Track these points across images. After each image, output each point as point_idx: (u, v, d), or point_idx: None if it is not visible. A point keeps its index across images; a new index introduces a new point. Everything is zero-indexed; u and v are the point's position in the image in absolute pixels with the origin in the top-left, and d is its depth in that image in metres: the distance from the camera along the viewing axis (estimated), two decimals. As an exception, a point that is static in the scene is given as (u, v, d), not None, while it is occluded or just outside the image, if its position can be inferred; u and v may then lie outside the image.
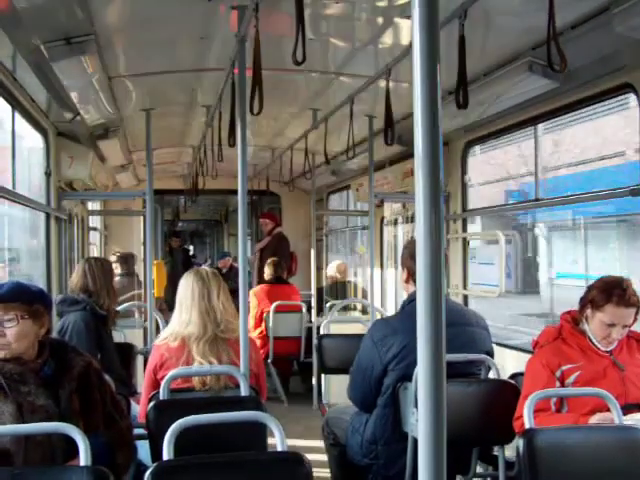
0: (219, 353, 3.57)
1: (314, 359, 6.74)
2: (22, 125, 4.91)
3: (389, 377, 3.64)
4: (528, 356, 3.65)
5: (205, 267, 4.37)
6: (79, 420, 2.68)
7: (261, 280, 8.97)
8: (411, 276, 3.80)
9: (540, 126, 5.38)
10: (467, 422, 3.53)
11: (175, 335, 3.62)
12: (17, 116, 4.68)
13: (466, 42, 3.08)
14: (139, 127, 5.94)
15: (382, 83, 4.25)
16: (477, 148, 6.32)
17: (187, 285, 3.71)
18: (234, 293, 3.68)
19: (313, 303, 7.55)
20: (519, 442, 2.84)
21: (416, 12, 1.41)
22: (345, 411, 4.19)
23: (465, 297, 6.28)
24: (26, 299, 2.79)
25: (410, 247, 3.91)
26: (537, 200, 5.36)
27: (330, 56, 4.56)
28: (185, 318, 3.64)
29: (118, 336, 5.09)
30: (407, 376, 3.52)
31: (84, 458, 2.44)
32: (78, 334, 4.13)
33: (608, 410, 3.06)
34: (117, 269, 7.35)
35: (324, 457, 4.38)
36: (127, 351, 5.00)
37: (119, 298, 5.43)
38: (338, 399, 5.07)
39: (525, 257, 17.65)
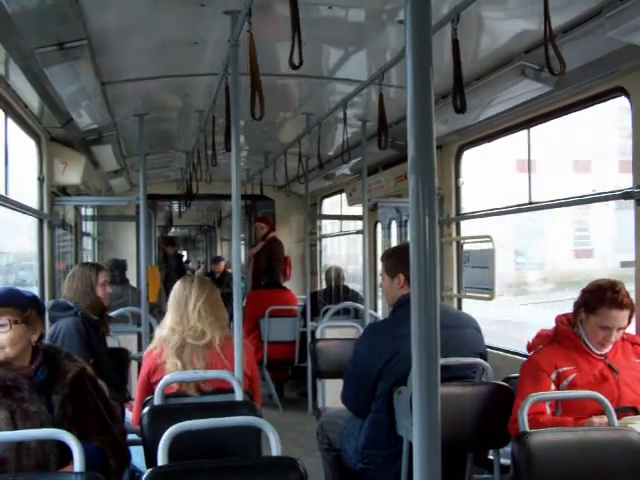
0: (191, 358, 3.61)
1: (309, 364, 6.72)
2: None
3: (383, 381, 3.62)
4: (522, 359, 3.65)
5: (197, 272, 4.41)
6: (72, 426, 2.66)
7: (256, 285, 8.93)
8: (407, 279, 3.78)
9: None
10: (462, 425, 3.52)
11: (157, 340, 3.72)
12: (9, 121, 4.66)
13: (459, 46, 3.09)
14: (132, 132, 5.93)
15: (375, 87, 4.25)
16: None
17: (172, 292, 3.84)
18: (228, 298, 3.68)
19: (307, 308, 7.54)
20: (514, 445, 2.84)
21: (408, 17, 1.42)
22: (340, 415, 4.18)
23: (459, 300, 6.28)
24: (19, 304, 2.77)
25: (402, 253, 3.88)
26: (531, 203, 5.37)
27: (323, 61, 4.56)
28: (163, 322, 3.78)
29: (112, 341, 5.07)
30: (401, 380, 3.51)
31: (78, 464, 2.43)
32: (69, 339, 4.14)
33: (603, 413, 3.07)
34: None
35: (319, 462, 4.37)
36: (121, 356, 4.98)
37: (113, 303, 5.42)
38: (333, 404, 5.04)
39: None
